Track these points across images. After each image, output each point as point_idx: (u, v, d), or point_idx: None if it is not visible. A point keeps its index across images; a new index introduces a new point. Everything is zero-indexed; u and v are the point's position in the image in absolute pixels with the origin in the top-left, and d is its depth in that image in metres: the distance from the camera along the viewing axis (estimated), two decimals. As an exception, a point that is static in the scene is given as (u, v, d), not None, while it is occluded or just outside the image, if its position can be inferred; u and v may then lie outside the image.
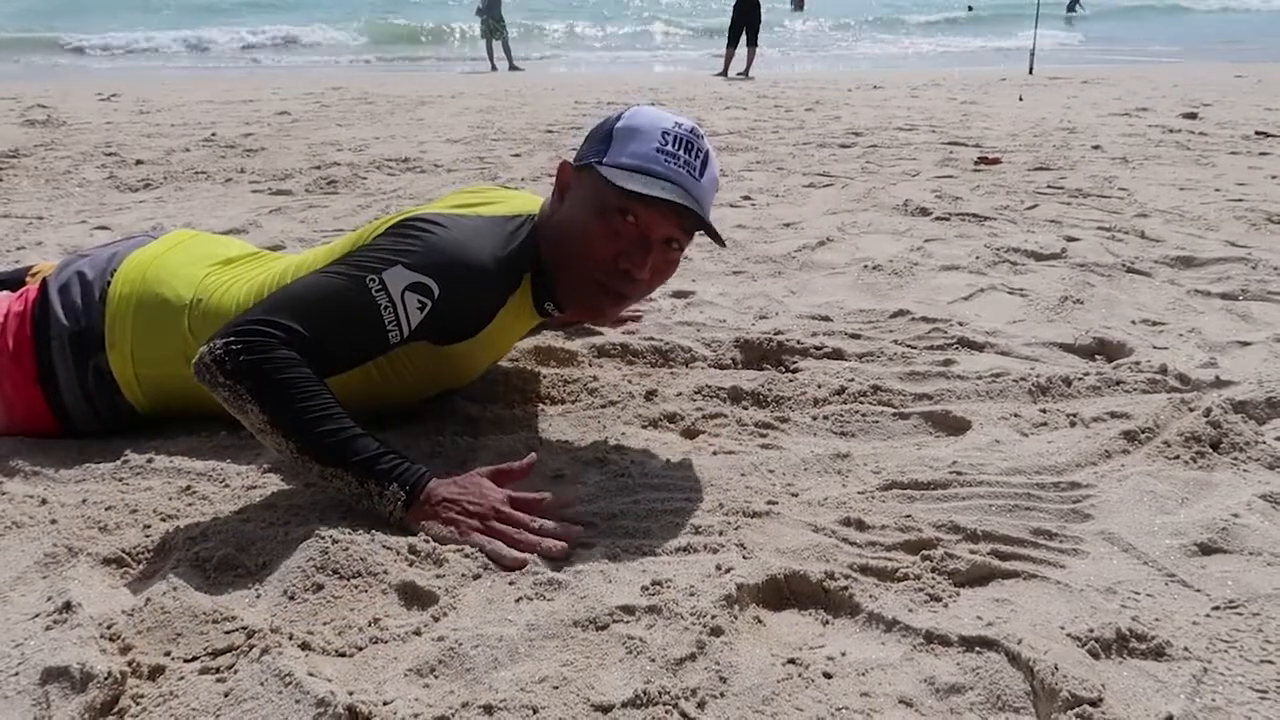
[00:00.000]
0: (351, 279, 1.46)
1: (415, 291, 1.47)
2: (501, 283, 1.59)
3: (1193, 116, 6.82)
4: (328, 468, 1.35)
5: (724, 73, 13.09)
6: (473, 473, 1.43)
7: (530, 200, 1.73)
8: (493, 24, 15.40)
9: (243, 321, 1.39)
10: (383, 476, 1.35)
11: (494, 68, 15.35)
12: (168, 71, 14.20)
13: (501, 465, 1.46)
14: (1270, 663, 1.10)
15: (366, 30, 22.42)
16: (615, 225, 1.52)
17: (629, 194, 1.48)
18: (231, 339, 1.36)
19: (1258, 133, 5.87)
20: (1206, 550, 1.33)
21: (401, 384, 1.66)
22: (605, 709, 1.01)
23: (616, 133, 1.55)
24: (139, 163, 4.93)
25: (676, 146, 1.53)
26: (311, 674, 1.05)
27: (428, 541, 1.31)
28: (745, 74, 12.93)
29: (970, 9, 32.36)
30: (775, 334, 2.18)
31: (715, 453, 1.64)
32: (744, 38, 13.28)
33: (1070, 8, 29.90)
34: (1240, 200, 3.80)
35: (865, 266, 2.82)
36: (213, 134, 6.02)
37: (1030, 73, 12.00)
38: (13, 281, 1.87)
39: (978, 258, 2.93)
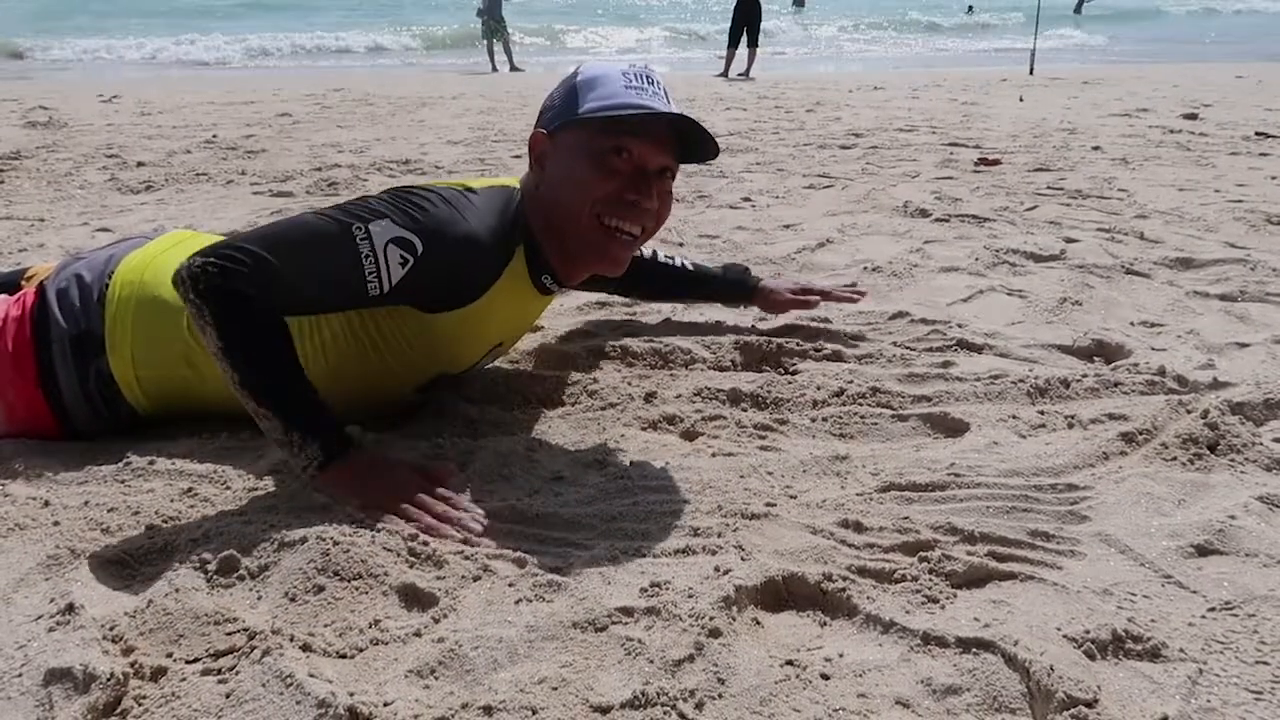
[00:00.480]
0: (339, 224, 1.48)
1: (399, 246, 1.49)
2: (494, 254, 1.61)
3: (1193, 117, 6.83)
4: (262, 407, 1.40)
5: (724, 73, 13.11)
6: (398, 465, 1.49)
7: (508, 180, 1.75)
8: (493, 25, 15.42)
9: (226, 245, 1.42)
10: (307, 431, 1.41)
11: (494, 69, 15.37)
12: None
13: (429, 466, 1.51)
14: (1265, 663, 1.10)
15: (420, 36, 22.12)
16: (610, 165, 1.56)
17: (621, 122, 1.53)
18: (211, 260, 1.39)
19: (1258, 133, 5.88)
20: (1203, 552, 1.33)
21: (397, 362, 1.65)
22: (604, 710, 1.02)
23: (579, 87, 1.60)
24: (140, 164, 4.95)
25: (640, 81, 1.58)
26: (313, 675, 1.05)
27: (424, 544, 1.31)
28: (746, 75, 12.94)
29: (970, 9, 32.55)
30: (774, 336, 2.19)
31: (714, 454, 1.64)
32: (744, 39, 13.29)
33: (1077, 9, 29.93)
34: (1240, 201, 3.81)
35: (865, 268, 2.83)
36: (214, 135, 6.03)
37: (1031, 73, 12.01)
38: (8, 284, 1.87)
39: (977, 259, 2.94)
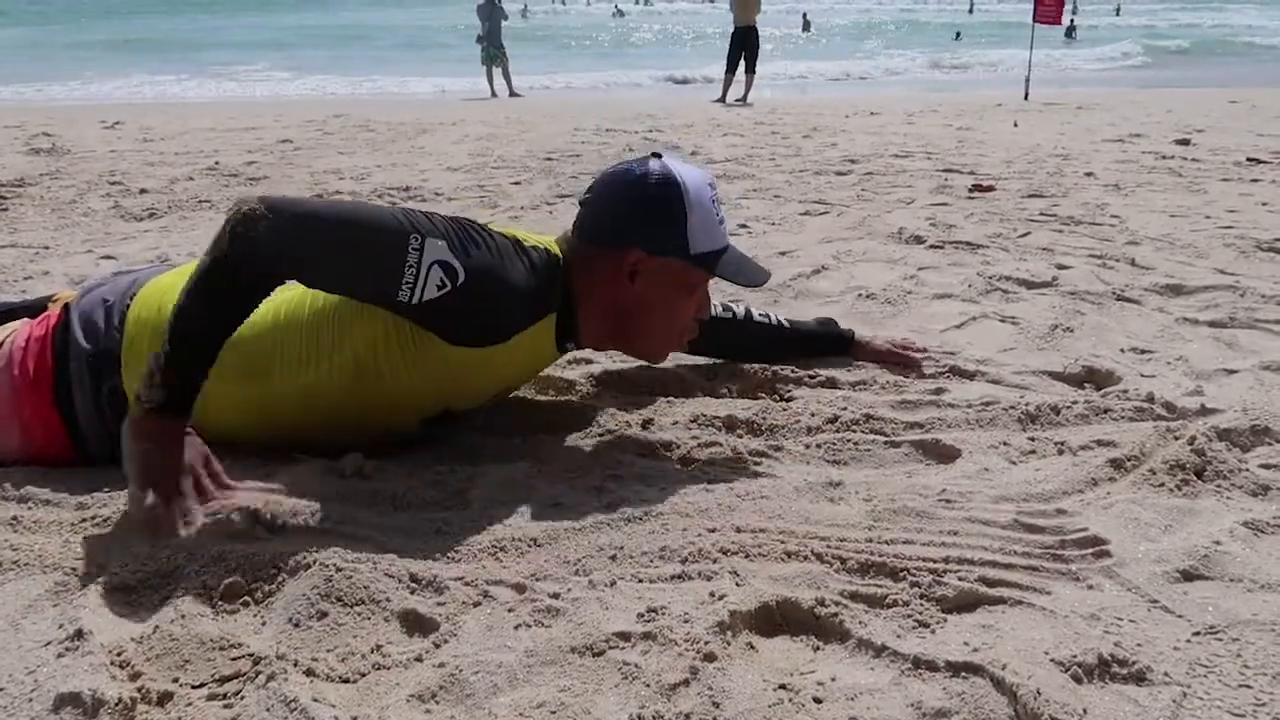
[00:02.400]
0: (400, 225, 1.53)
1: (443, 270, 1.54)
2: (528, 307, 1.69)
3: (1185, 143, 6.90)
4: (171, 337, 1.44)
5: (722, 99, 13.22)
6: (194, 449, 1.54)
7: (550, 241, 1.81)
8: (493, 51, 15.57)
9: (282, 204, 1.47)
10: (150, 382, 1.44)
11: (494, 94, 15.50)
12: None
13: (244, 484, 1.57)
14: (1248, 687, 1.13)
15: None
16: (697, 294, 1.81)
17: (716, 271, 1.76)
18: (267, 213, 1.44)
19: (1249, 159, 5.94)
20: (1189, 577, 1.36)
21: (410, 390, 1.68)
22: (601, 733, 1.04)
23: (690, 217, 1.70)
24: (143, 191, 4.99)
25: (718, 205, 1.76)
26: (316, 700, 1.08)
27: (425, 570, 1.34)
28: (743, 100, 13.05)
29: (958, 36, 33.14)
30: (769, 363, 2.22)
31: (710, 481, 1.67)
32: (742, 65, 13.41)
33: (1068, 33, 30.27)
34: (1230, 228, 3.86)
35: (860, 295, 2.87)
36: (216, 162, 6.09)
37: (1026, 98, 12.11)
38: (34, 309, 1.91)
39: (970, 286, 2.98)
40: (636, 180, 1.71)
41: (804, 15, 38.39)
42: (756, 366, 2.19)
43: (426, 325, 1.61)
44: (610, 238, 1.73)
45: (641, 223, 1.71)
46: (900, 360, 2.26)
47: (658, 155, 1.74)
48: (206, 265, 1.44)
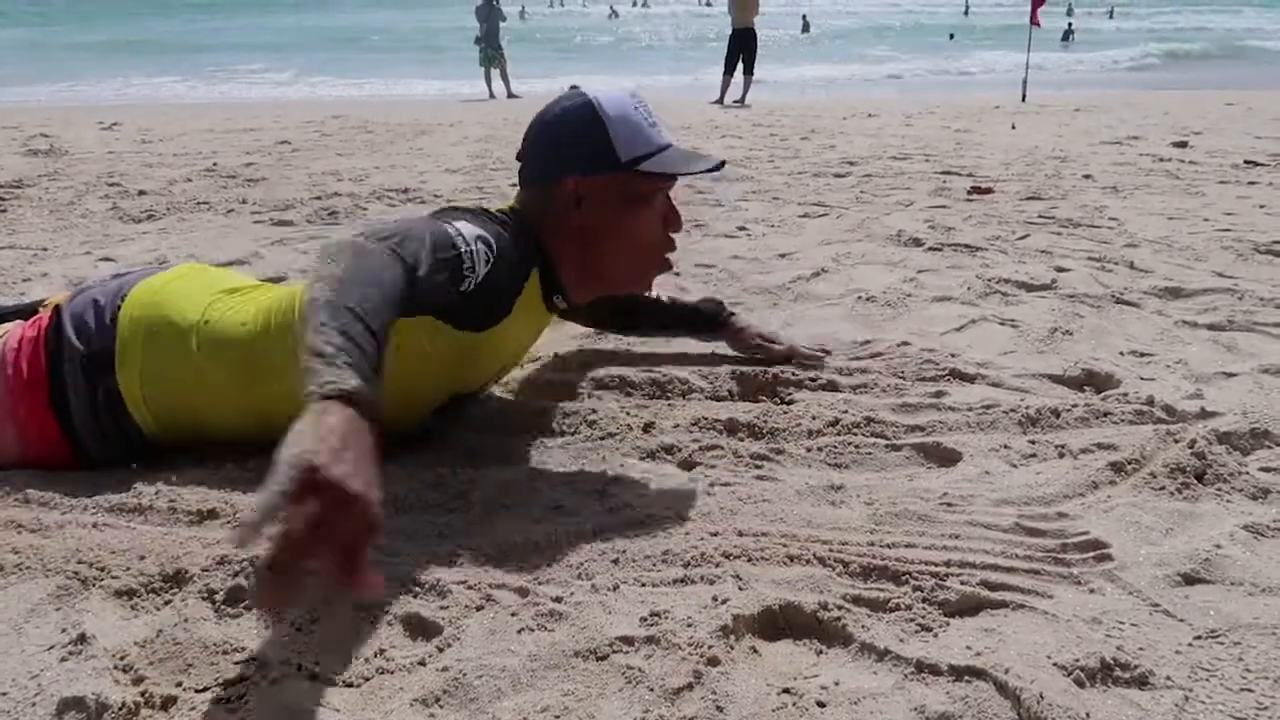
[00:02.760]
0: (430, 223, 1.52)
1: (484, 244, 1.57)
2: (520, 270, 1.71)
3: (1183, 145, 6.91)
4: (307, 329, 1.17)
5: (720, 100, 13.23)
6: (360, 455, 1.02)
7: (506, 205, 1.84)
8: (491, 53, 15.59)
9: (379, 230, 1.42)
10: (339, 358, 1.12)
11: (491, 95, 15.51)
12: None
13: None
14: (1250, 690, 1.13)
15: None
16: (657, 207, 1.76)
17: (671, 178, 1.73)
18: (368, 235, 1.39)
19: (1246, 161, 5.96)
20: (1190, 580, 1.36)
21: (422, 380, 1.68)
22: (605, 738, 1.05)
23: (608, 125, 1.69)
24: (141, 193, 4.99)
25: (649, 114, 1.74)
26: (320, 704, 1.08)
27: (428, 573, 1.34)
28: (741, 102, 13.06)
29: (951, 37, 33.37)
30: (771, 366, 2.22)
31: (712, 484, 1.67)
32: (740, 66, 13.43)
33: (1065, 37, 30.37)
34: (1228, 230, 3.87)
35: (859, 298, 2.87)
36: (214, 164, 6.08)
37: (1024, 100, 12.13)
38: (27, 312, 1.91)
39: (969, 289, 2.98)
40: (552, 112, 1.75)
41: (803, 17, 38.85)
42: (757, 370, 2.19)
43: (460, 314, 1.61)
44: (546, 175, 1.75)
45: (567, 148, 1.73)
46: (765, 351, 2.23)
47: (575, 87, 1.79)
48: (333, 269, 1.27)
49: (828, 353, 2.32)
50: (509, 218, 1.75)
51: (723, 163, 1.76)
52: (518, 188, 1.85)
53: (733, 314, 2.33)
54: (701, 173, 1.72)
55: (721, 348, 2.33)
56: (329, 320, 1.17)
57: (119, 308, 1.73)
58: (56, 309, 1.77)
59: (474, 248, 1.54)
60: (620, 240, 1.76)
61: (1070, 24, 33.65)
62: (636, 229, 1.75)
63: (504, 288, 1.66)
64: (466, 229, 1.56)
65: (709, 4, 64.12)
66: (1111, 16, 48.95)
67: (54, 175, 5.59)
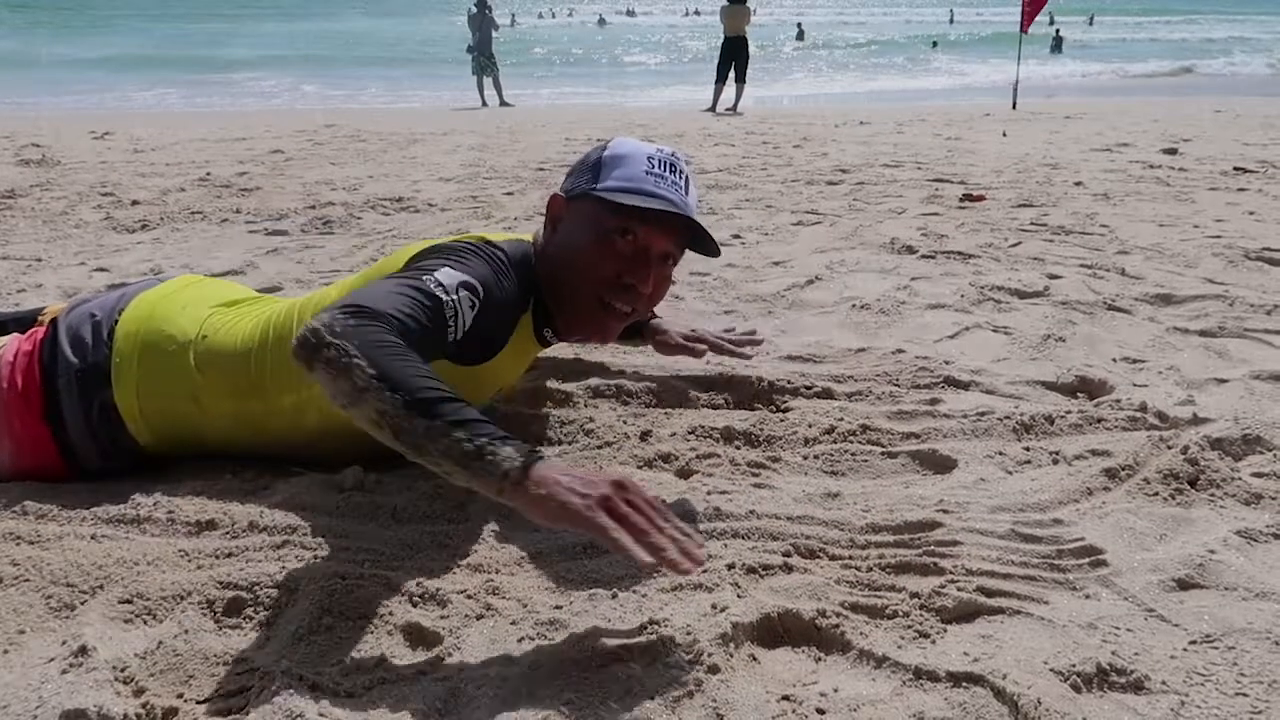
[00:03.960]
0: (409, 279, 1.49)
1: (467, 290, 1.53)
2: (517, 304, 1.70)
3: (1173, 152, 6.96)
4: (435, 421, 1.22)
5: (713, 109, 13.26)
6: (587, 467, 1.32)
7: (526, 236, 1.83)
8: (484, 61, 15.61)
9: (343, 304, 1.37)
10: (494, 437, 1.21)
11: (484, 104, 15.52)
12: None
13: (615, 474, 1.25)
14: (1244, 695, 1.14)
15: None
16: (615, 245, 1.63)
17: (629, 210, 1.60)
18: (338, 311, 1.34)
19: (1235, 168, 6.00)
20: (1184, 586, 1.37)
21: None
22: (607, 746, 1.05)
23: (604, 161, 1.67)
24: (135, 203, 4.98)
25: (662, 169, 1.65)
26: (321, 715, 1.08)
27: (428, 583, 1.34)
28: (734, 110, 13.10)
29: (934, 44, 33.71)
30: (766, 374, 2.23)
31: (709, 492, 1.68)
32: (732, 74, 13.48)
33: (1055, 48, 30.52)
34: (1218, 237, 3.89)
35: (853, 305, 2.88)
36: (207, 173, 6.07)
37: (1014, 107, 12.19)
38: (24, 321, 1.91)
39: (963, 296, 3.00)
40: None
41: (798, 25, 39.45)
42: (754, 376, 2.20)
43: (457, 354, 1.59)
44: (548, 200, 1.76)
45: (569, 173, 1.75)
46: (688, 352, 2.14)
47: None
48: (361, 371, 1.27)
49: (758, 342, 2.25)
50: (515, 248, 1.72)
51: (717, 249, 1.71)
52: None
53: (654, 318, 2.23)
54: (669, 216, 1.61)
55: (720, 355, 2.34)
56: (430, 417, 1.23)
57: (116, 322, 1.73)
58: (53, 322, 1.77)
59: (455, 297, 1.50)
60: (572, 270, 1.66)
61: (1057, 30, 33.84)
62: (589, 260, 1.64)
63: (495, 326, 1.64)
64: (447, 277, 1.51)
65: (697, 11, 64.42)
66: (1091, 23, 49.26)
67: (46, 185, 5.57)
